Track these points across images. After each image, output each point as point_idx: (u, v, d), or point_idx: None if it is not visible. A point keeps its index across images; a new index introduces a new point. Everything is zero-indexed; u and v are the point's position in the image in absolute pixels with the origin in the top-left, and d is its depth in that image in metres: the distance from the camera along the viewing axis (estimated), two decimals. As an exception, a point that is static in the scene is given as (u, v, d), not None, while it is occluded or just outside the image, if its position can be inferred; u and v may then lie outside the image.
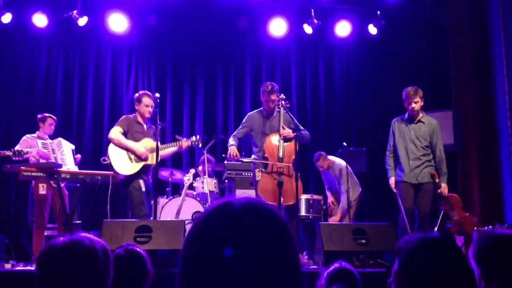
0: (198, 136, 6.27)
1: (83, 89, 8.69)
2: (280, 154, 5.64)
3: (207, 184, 7.04)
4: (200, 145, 6.34)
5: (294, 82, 9.08)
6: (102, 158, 6.02)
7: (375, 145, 8.08)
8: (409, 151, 5.85)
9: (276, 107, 5.85)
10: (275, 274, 0.93)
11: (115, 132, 5.84)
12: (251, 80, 9.06)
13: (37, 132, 6.40)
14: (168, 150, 6.11)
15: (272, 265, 0.93)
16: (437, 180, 5.76)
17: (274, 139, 5.73)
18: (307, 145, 7.46)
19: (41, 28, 8.19)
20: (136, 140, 5.86)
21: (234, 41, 9.07)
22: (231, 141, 5.88)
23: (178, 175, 7.56)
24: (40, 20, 8.09)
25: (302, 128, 5.89)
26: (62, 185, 5.85)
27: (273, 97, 5.83)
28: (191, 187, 7.24)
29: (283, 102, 5.76)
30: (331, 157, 7.35)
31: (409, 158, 5.83)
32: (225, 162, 6.70)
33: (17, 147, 6.12)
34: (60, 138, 6.29)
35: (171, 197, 6.94)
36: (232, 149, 5.72)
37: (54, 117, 6.56)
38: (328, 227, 5.06)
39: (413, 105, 5.81)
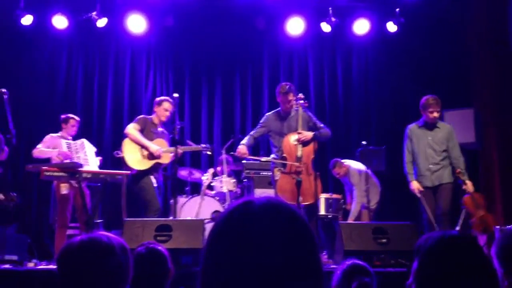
0: (206, 145, 6.52)
1: (103, 90, 8.78)
2: (299, 154, 5.62)
3: (226, 184, 7.05)
4: (209, 153, 6.44)
5: (312, 81, 9.05)
6: (115, 151, 6.12)
7: (394, 144, 8.01)
8: (428, 156, 5.95)
9: (294, 106, 5.84)
10: (296, 273, 0.93)
11: (132, 128, 6.09)
12: (268, 79, 9.04)
13: (60, 132, 6.48)
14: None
15: (293, 264, 0.93)
16: (463, 178, 5.84)
17: (292, 138, 5.72)
18: (326, 144, 7.43)
19: (61, 29, 8.30)
20: (150, 139, 6.07)
21: (252, 40, 9.07)
22: (244, 140, 5.94)
23: (197, 174, 7.59)
24: (60, 21, 8.20)
25: (321, 125, 5.87)
26: (83, 184, 5.92)
27: (290, 97, 5.82)
28: (210, 186, 7.27)
29: (301, 101, 5.76)
30: (347, 162, 7.31)
31: (429, 163, 5.93)
32: (244, 161, 6.71)
33: (39, 145, 6.23)
34: (83, 139, 6.37)
35: (190, 197, 6.97)
36: (240, 148, 5.81)
37: (77, 118, 6.64)
38: (348, 226, 5.04)
39: (435, 114, 5.94)
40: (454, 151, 5.98)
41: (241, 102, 9.05)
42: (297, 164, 5.57)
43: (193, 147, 6.35)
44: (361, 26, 8.66)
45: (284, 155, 5.69)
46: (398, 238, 4.85)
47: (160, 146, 6.06)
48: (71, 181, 5.75)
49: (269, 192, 6.25)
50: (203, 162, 8.62)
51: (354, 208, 7.07)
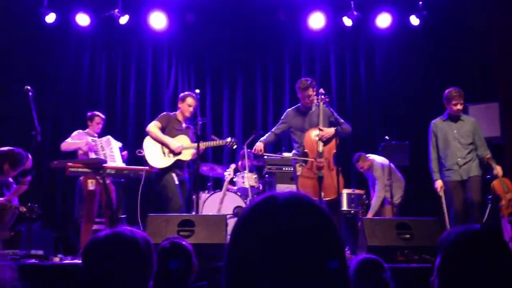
0: (231, 139, 6.37)
1: (126, 86, 8.87)
2: (320, 149, 5.59)
3: (248, 179, 7.06)
4: (234, 147, 6.40)
5: (333, 75, 8.99)
6: (138, 150, 6.19)
7: (418, 138, 7.92)
8: (455, 150, 5.91)
9: (315, 101, 5.81)
10: (321, 266, 0.92)
11: (153, 126, 6.12)
12: (290, 74, 9.02)
13: (87, 129, 6.62)
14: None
15: (317, 257, 0.92)
16: (492, 163, 5.85)
17: (314, 134, 5.68)
18: (348, 139, 7.38)
19: (84, 27, 8.41)
20: (172, 136, 6.09)
21: (273, 35, 9.05)
22: (263, 137, 5.98)
23: (219, 170, 7.62)
24: (83, 19, 8.31)
25: (342, 121, 5.83)
26: (108, 181, 6.00)
27: (309, 92, 5.80)
28: (232, 182, 7.29)
29: (322, 96, 5.73)
30: (371, 156, 7.26)
31: (457, 157, 5.89)
32: (265, 157, 6.71)
33: (68, 139, 6.35)
34: (108, 136, 6.45)
35: (212, 192, 7.00)
36: (257, 145, 5.86)
37: (102, 116, 6.76)
38: (371, 222, 4.99)
39: (459, 106, 5.92)
40: (480, 143, 5.95)
41: (262, 97, 9.05)
42: (318, 159, 5.55)
43: (217, 141, 6.29)
44: (384, 20, 8.58)
45: (306, 150, 5.67)
46: (421, 233, 4.80)
47: (182, 143, 6.09)
48: (96, 177, 5.83)
49: (291, 188, 6.24)
50: (225, 158, 8.64)
51: (375, 202, 7.01)
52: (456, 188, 5.86)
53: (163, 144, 6.05)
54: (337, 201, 5.64)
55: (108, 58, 8.93)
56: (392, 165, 6.95)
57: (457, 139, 5.93)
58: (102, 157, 6.06)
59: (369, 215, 6.98)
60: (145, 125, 8.11)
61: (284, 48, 9.13)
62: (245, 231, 0.98)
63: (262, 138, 5.97)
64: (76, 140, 6.35)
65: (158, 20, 8.51)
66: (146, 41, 8.94)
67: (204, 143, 6.16)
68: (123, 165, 6.16)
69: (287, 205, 0.97)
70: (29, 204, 5.55)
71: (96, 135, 6.57)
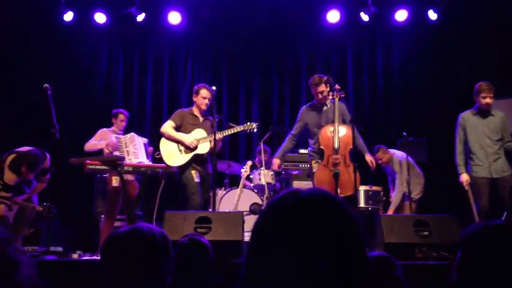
0: (250, 122, 6.23)
1: (142, 83, 8.92)
2: (336, 145, 5.55)
3: (264, 176, 7.06)
4: (255, 130, 6.24)
5: (350, 71, 8.94)
6: (157, 152, 6.20)
7: (436, 134, 7.84)
8: (485, 146, 5.83)
9: (330, 97, 5.77)
10: (342, 262, 0.92)
11: (166, 126, 6.10)
12: (306, 69, 8.99)
13: (112, 127, 6.74)
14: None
15: (339, 253, 0.92)
16: None
17: (329, 130, 5.65)
18: (366, 134, 7.30)
19: (101, 24, 8.48)
20: (188, 132, 6.01)
21: (289, 31, 9.02)
22: (280, 150, 5.92)
23: (235, 167, 7.62)
24: (100, 17, 8.38)
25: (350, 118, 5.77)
26: (133, 178, 6.06)
27: (321, 88, 5.77)
28: (248, 178, 7.29)
29: (337, 92, 5.69)
30: (391, 150, 7.20)
31: (486, 153, 5.81)
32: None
33: (91, 139, 6.46)
34: (132, 133, 6.50)
35: (229, 189, 7.00)
36: (274, 163, 5.87)
37: (126, 113, 6.86)
38: (389, 219, 4.96)
39: (488, 100, 5.83)
40: (506, 135, 5.88)
41: (278, 93, 9.03)
42: (334, 156, 5.51)
43: (235, 128, 6.10)
44: (401, 15, 8.50)
45: (321, 147, 5.65)
46: (440, 230, 4.75)
47: (198, 136, 6.00)
48: (113, 173, 5.89)
49: (308, 185, 6.23)
50: (241, 155, 8.65)
51: (395, 196, 6.94)
52: (483, 184, 5.76)
53: (177, 142, 6.01)
54: (354, 197, 5.61)
55: (125, 56, 8.99)
56: (411, 159, 6.89)
57: (487, 135, 5.83)
58: (125, 154, 6.12)
59: (390, 211, 6.93)
60: (162, 123, 8.19)
61: (301, 44, 9.10)
62: (266, 226, 0.98)
63: (278, 153, 5.92)
64: (99, 139, 6.44)
65: (174, 17, 8.54)
66: (163, 39, 8.98)
67: (222, 131, 5.99)
68: (147, 161, 6.16)
69: (310, 201, 0.97)
70: (45, 203, 5.65)
71: (120, 132, 6.66)
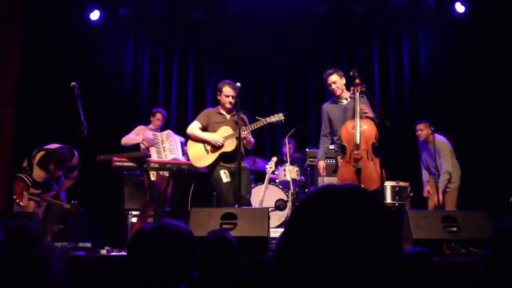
0: (279, 114, 5.92)
1: (168, 81, 8.98)
2: (357, 141, 5.47)
3: (289, 172, 7.05)
4: (283, 120, 6.03)
5: (376, 64, 8.85)
6: (185, 156, 6.24)
7: (464, 129, 7.71)
8: None
9: (351, 92, 5.70)
10: (376, 258, 0.91)
11: (191, 127, 5.92)
12: (331, 65, 8.92)
13: (149, 125, 6.86)
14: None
15: (373, 249, 0.92)
16: None
17: (350, 126, 5.58)
18: (391, 129, 7.23)
19: (126, 22, 8.56)
20: (215, 130, 5.85)
21: (312, 26, 8.97)
22: (321, 151, 5.86)
23: (260, 163, 7.63)
24: (125, 15, 8.46)
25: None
26: (167, 174, 6.11)
27: (331, 79, 5.72)
28: (273, 175, 7.29)
29: (358, 86, 5.60)
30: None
31: None
32: (307, 150, 6.68)
33: (129, 134, 6.57)
34: (169, 130, 6.58)
35: (254, 185, 7.02)
36: (319, 166, 5.79)
37: (164, 113, 6.96)
38: (416, 215, 4.89)
39: None
40: None
41: (302, 89, 9.00)
42: (356, 151, 5.43)
43: (262, 121, 5.80)
44: (428, 7, 8.38)
45: (344, 143, 5.58)
46: (469, 226, 4.67)
47: (224, 133, 5.81)
48: (137, 170, 6.01)
49: (333, 180, 6.19)
50: (267, 151, 8.66)
51: (442, 176, 6.79)
52: None
53: (203, 141, 5.82)
54: (381, 192, 5.53)
55: (151, 54, 9.06)
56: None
57: None
58: (161, 150, 6.22)
59: (434, 196, 6.75)
60: (187, 121, 8.27)
61: (324, 39, 9.05)
62: (300, 222, 0.97)
63: (320, 155, 5.86)
64: (135, 136, 6.54)
65: (198, 13, 8.58)
66: (187, 35, 9.02)
67: (248, 126, 5.78)
68: (182, 158, 6.19)
69: (344, 196, 0.96)
70: (72, 201, 5.78)
71: (158, 130, 6.75)
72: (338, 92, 5.75)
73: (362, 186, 5.20)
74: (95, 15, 8.41)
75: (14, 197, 5.99)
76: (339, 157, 5.71)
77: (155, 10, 8.29)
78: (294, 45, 9.01)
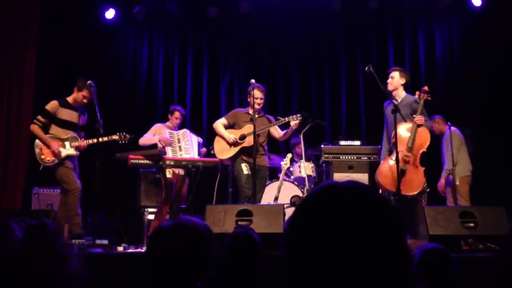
0: (296, 115, 6.30)
1: (182, 79, 9.01)
2: (410, 143, 5.55)
3: (305, 168, 7.04)
4: (297, 121, 6.27)
5: (391, 59, 8.78)
6: (211, 147, 6.47)
7: (482, 124, 7.62)
8: None
9: (416, 96, 5.82)
10: (382, 255, 0.90)
11: (216, 123, 6.43)
12: (346, 62, 8.90)
13: (167, 122, 6.86)
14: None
15: (379, 246, 0.90)
16: None
17: (407, 127, 5.66)
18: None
19: (141, 21, 8.60)
20: (240, 128, 6.31)
21: (327, 23, 8.93)
22: (384, 149, 6.03)
23: (275, 159, 7.62)
24: (140, 13, 8.49)
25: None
26: (182, 172, 6.16)
27: (390, 74, 5.97)
28: (288, 171, 7.28)
29: (424, 94, 5.73)
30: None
31: None
32: (322, 146, 6.66)
33: (146, 134, 6.61)
34: (186, 129, 6.65)
35: (269, 182, 7.01)
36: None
37: (182, 111, 6.96)
38: (433, 211, 4.85)
39: None
40: None
41: (317, 86, 8.97)
42: (406, 153, 5.52)
43: (280, 120, 6.30)
44: (444, 0, 8.30)
45: (394, 140, 5.54)
46: (486, 222, 4.63)
47: (246, 131, 6.21)
48: (174, 168, 6.11)
49: (350, 177, 6.17)
50: (281, 148, 8.64)
51: (443, 172, 6.75)
52: None
53: (222, 137, 6.30)
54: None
55: (165, 52, 9.10)
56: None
57: None
58: (177, 149, 6.29)
59: (442, 177, 6.75)
60: (202, 119, 8.33)
61: (339, 36, 9.00)
62: (304, 221, 0.95)
63: (383, 155, 5.99)
64: (153, 133, 6.60)
65: (212, 10, 8.58)
66: (202, 34, 9.04)
67: (264, 126, 6.24)
68: (197, 158, 6.30)
69: (349, 193, 0.95)
70: (119, 132, 6.02)
71: (175, 128, 6.77)
72: (389, 87, 5.93)
73: (401, 188, 5.21)
74: (110, 13, 8.46)
75: (42, 156, 5.90)
76: (386, 152, 5.89)
77: (170, 8, 8.30)
78: (308, 41, 8.97)
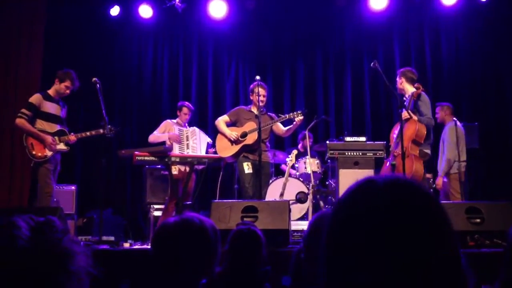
0: (296, 111, 6.36)
1: (188, 76, 9.01)
2: (397, 139, 5.61)
3: (310, 165, 7.03)
4: (301, 118, 6.28)
5: (397, 56, 8.75)
6: (213, 150, 6.43)
7: (487, 119, 7.59)
8: None
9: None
10: (427, 252, 0.85)
11: (218, 120, 6.51)
12: (351, 58, 8.87)
13: (176, 119, 6.77)
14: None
15: (423, 242, 0.85)
16: None
17: (395, 125, 5.82)
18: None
19: (146, 18, 8.59)
20: (242, 125, 6.35)
21: (333, 19, 8.91)
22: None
23: (280, 156, 7.62)
24: (145, 11, 8.48)
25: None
26: (188, 169, 6.18)
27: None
28: (294, 167, 7.28)
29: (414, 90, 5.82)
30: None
31: None
32: (327, 142, 6.65)
33: (155, 131, 6.55)
34: (195, 127, 6.61)
35: (275, 178, 7.02)
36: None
37: (190, 107, 6.85)
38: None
39: None
40: None
41: (323, 82, 8.95)
42: (394, 149, 5.67)
43: (282, 117, 6.33)
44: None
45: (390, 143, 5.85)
46: (493, 217, 4.61)
47: (247, 128, 6.26)
48: (180, 165, 6.08)
49: (355, 172, 6.16)
50: (286, 144, 8.64)
51: (445, 163, 6.71)
52: None
53: (223, 134, 6.35)
54: None
55: (170, 49, 9.10)
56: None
57: None
58: (184, 146, 6.30)
59: (439, 179, 6.69)
60: (207, 116, 8.33)
61: (345, 31, 8.97)
62: (345, 219, 0.91)
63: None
64: (163, 130, 6.54)
65: (218, 8, 8.56)
66: (207, 30, 9.03)
67: (267, 122, 6.23)
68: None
69: (388, 187, 0.90)
70: (108, 125, 5.58)
71: (185, 125, 6.71)
72: (399, 90, 6.01)
73: None
74: (115, 10, 8.45)
75: (33, 152, 5.67)
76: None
77: (175, 5, 8.29)
78: (313, 39, 8.96)
